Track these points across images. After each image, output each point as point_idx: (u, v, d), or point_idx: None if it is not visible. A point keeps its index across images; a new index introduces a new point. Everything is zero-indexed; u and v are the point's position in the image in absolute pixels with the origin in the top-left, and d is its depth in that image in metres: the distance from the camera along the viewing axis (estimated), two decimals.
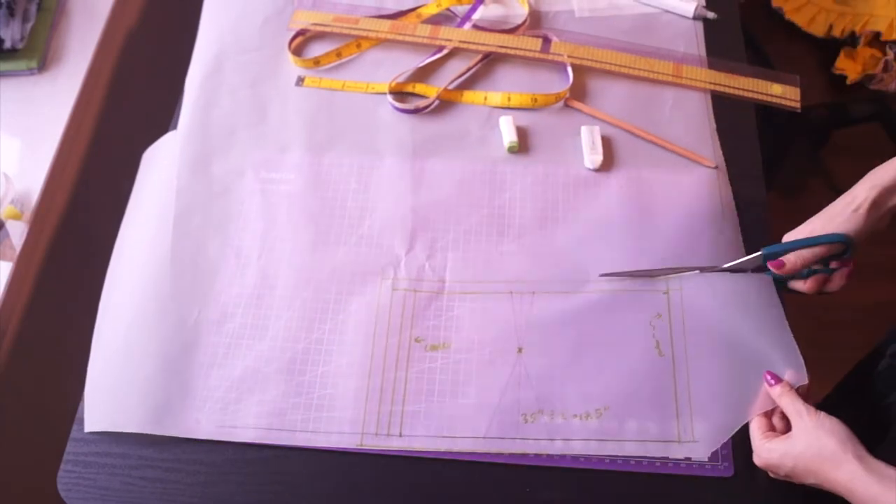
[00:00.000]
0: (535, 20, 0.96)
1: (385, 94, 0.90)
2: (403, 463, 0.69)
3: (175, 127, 0.90)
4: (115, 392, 0.72)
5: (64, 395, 0.80)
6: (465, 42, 0.93)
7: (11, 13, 0.96)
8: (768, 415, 0.66)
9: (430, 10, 0.97)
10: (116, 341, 0.75)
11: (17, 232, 0.85)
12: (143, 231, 0.82)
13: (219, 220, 0.82)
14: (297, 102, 0.91)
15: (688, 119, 0.87)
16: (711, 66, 0.91)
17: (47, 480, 0.71)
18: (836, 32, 1.25)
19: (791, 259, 0.68)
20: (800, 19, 1.27)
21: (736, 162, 0.84)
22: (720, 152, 0.84)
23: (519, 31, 0.94)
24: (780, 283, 0.72)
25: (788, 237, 0.69)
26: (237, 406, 0.71)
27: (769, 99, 0.89)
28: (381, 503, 0.68)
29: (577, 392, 0.69)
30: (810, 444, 0.59)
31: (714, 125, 0.86)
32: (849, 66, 1.23)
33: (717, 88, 0.89)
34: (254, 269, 0.79)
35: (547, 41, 0.92)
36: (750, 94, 0.88)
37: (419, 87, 0.90)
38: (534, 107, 0.88)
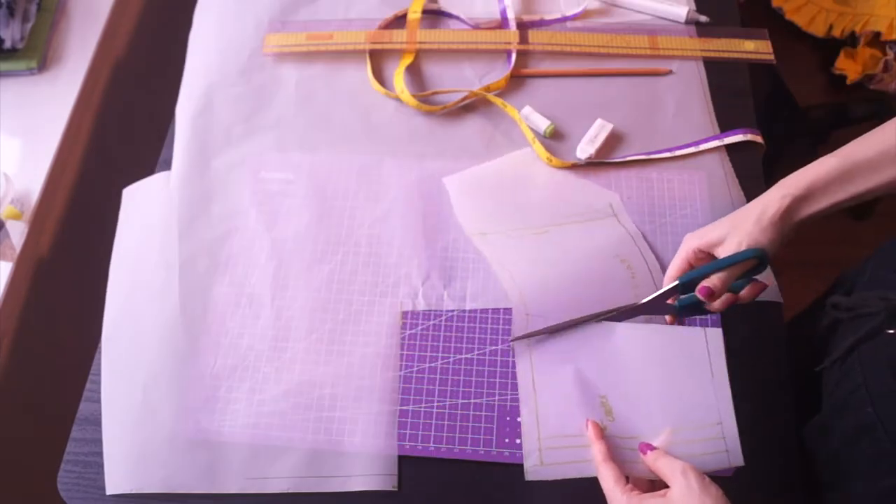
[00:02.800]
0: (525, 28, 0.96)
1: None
2: (406, 463, 0.69)
3: (161, 164, 0.88)
4: (136, 453, 0.70)
5: (64, 395, 0.80)
6: (443, 43, 0.93)
7: (11, 13, 0.96)
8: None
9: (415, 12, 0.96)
10: (132, 402, 0.73)
11: (17, 232, 0.85)
12: (142, 282, 0.79)
13: (225, 261, 0.80)
14: (297, 131, 0.89)
15: (689, 121, 0.87)
16: (685, 34, 0.93)
17: (47, 480, 0.71)
18: (836, 32, 1.25)
19: (717, 284, 0.62)
20: (800, 19, 1.27)
21: (736, 162, 0.84)
22: (727, 160, 0.84)
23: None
24: (691, 309, 0.67)
25: (691, 239, 0.66)
26: (266, 457, 0.70)
27: (745, 56, 0.92)
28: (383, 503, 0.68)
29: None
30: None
31: (718, 129, 0.86)
32: (849, 66, 1.23)
33: (694, 55, 0.91)
34: (268, 310, 0.77)
35: (525, 33, 0.93)
36: (727, 55, 0.91)
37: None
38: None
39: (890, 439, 0.59)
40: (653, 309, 0.68)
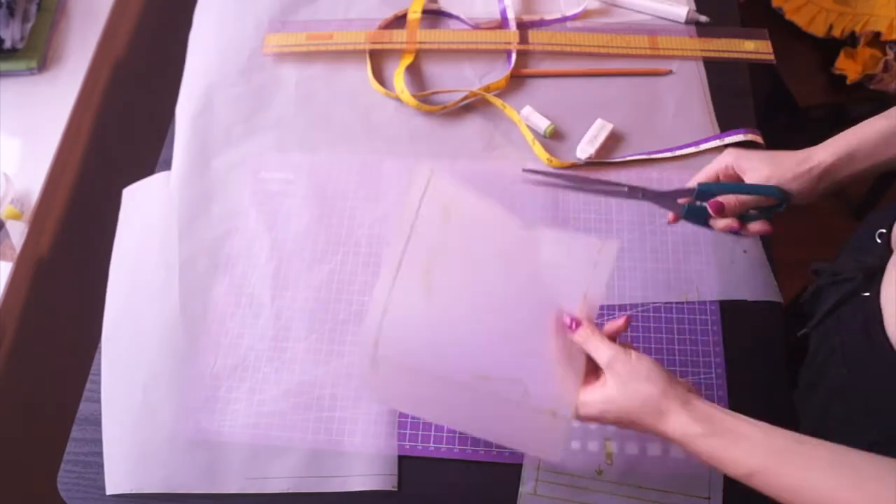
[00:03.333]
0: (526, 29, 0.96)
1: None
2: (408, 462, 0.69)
3: (162, 164, 0.88)
4: (136, 453, 0.70)
5: (64, 395, 0.80)
6: (443, 43, 0.93)
7: (11, 13, 0.96)
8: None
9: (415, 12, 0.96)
10: (132, 402, 0.73)
11: (17, 232, 0.85)
12: (142, 282, 0.79)
13: (225, 261, 0.80)
14: (297, 131, 0.89)
15: (689, 121, 0.87)
16: (685, 34, 0.93)
17: (47, 480, 0.71)
18: (836, 32, 1.25)
19: (732, 204, 0.64)
20: (800, 19, 1.27)
21: None
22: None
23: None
24: (696, 216, 0.68)
25: (728, 155, 0.67)
26: (266, 457, 0.70)
27: (745, 56, 0.92)
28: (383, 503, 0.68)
29: None
30: (626, 394, 0.54)
31: (718, 129, 0.86)
32: (849, 66, 1.23)
33: (694, 55, 0.91)
34: (268, 310, 0.77)
35: (525, 33, 0.93)
36: (727, 55, 0.91)
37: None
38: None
39: (862, 400, 0.60)
40: (662, 200, 0.71)
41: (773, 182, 0.64)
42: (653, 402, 0.53)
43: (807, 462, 0.48)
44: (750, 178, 0.66)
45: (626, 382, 0.54)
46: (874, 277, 0.63)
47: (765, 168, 0.65)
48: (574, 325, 0.58)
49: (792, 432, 0.50)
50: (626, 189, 0.74)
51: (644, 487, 0.66)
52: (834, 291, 0.68)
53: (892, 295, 0.60)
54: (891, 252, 0.63)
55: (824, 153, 0.65)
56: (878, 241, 0.66)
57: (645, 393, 0.54)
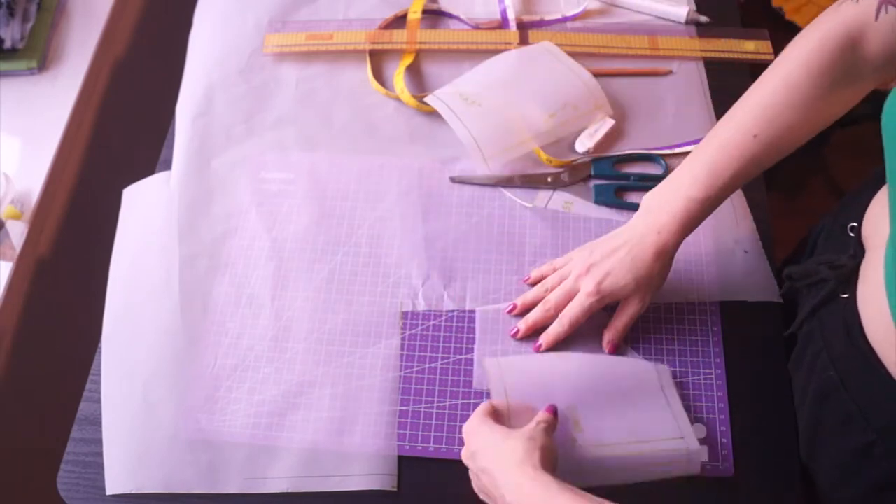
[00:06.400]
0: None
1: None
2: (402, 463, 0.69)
3: (162, 164, 0.88)
4: (136, 453, 0.70)
5: (64, 395, 0.80)
6: (443, 43, 0.93)
7: (11, 13, 0.96)
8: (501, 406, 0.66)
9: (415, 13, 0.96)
10: (132, 402, 0.73)
11: (17, 232, 0.85)
12: (142, 282, 0.79)
13: (225, 261, 0.80)
14: (297, 131, 0.89)
15: (690, 122, 0.87)
16: (685, 35, 0.94)
17: (47, 480, 0.71)
18: None
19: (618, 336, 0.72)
20: (800, 19, 1.27)
21: None
22: None
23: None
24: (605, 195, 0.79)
25: (595, 300, 0.70)
26: (266, 456, 0.70)
27: (745, 56, 0.91)
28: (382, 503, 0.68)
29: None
30: (496, 437, 0.61)
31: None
32: None
33: (694, 55, 0.91)
34: (268, 310, 0.77)
35: (525, 33, 0.93)
36: (727, 55, 0.91)
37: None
38: None
39: (853, 400, 0.60)
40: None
41: (647, 302, 0.71)
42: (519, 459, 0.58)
43: None
44: (627, 308, 0.71)
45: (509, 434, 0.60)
46: (850, 278, 0.63)
47: (637, 294, 0.70)
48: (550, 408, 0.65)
49: None
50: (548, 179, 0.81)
51: (619, 444, 0.67)
52: (810, 295, 0.68)
53: (869, 298, 0.59)
54: (864, 250, 0.63)
55: (674, 241, 0.69)
56: (851, 234, 0.66)
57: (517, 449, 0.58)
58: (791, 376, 0.71)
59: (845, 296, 0.63)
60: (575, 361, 0.72)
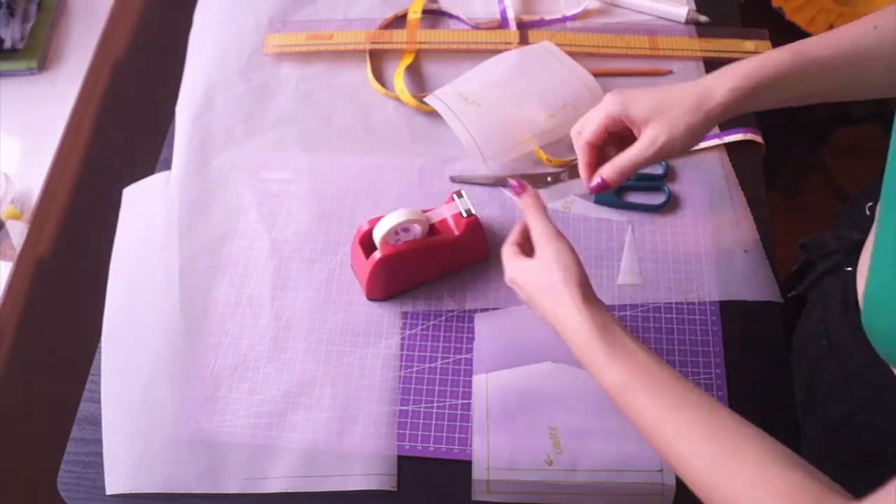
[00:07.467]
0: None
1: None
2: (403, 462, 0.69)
3: (162, 164, 0.88)
4: (136, 453, 0.70)
5: (64, 395, 0.80)
6: (443, 43, 0.93)
7: (11, 13, 0.96)
8: (525, 233, 0.62)
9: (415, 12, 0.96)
10: (132, 402, 0.73)
11: (17, 232, 0.85)
12: (142, 282, 0.79)
13: (225, 261, 0.80)
14: (297, 131, 0.89)
15: None
16: (685, 35, 0.93)
17: (47, 480, 0.71)
18: None
19: (612, 177, 0.62)
20: (800, 19, 1.27)
21: (736, 161, 0.84)
22: (727, 160, 0.84)
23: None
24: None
25: (613, 104, 0.62)
26: (266, 456, 0.70)
27: (745, 56, 0.90)
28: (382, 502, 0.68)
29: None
30: (536, 270, 0.58)
31: (717, 128, 0.86)
32: None
33: (694, 55, 0.91)
34: (268, 310, 0.77)
35: (525, 33, 0.93)
36: (727, 55, 0.91)
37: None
38: None
39: (841, 371, 0.61)
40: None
41: (661, 141, 0.60)
42: (555, 288, 0.55)
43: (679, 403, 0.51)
44: (641, 137, 0.62)
45: (543, 260, 0.57)
46: (854, 251, 0.63)
47: (654, 124, 0.61)
48: (520, 189, 0.60)
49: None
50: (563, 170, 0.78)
51: (596, 470, 0.67)
52: (820, 266, 0.69)
53: (866, 265, 0.59)
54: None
55: (724, 92, 0.60)
56: (868, 213, 0.66)
57: (552, 276, 0.56)
58: (791, 377, 0.71)
59: (849, 269, 0.63)
60: (569, 377, 0.70)
